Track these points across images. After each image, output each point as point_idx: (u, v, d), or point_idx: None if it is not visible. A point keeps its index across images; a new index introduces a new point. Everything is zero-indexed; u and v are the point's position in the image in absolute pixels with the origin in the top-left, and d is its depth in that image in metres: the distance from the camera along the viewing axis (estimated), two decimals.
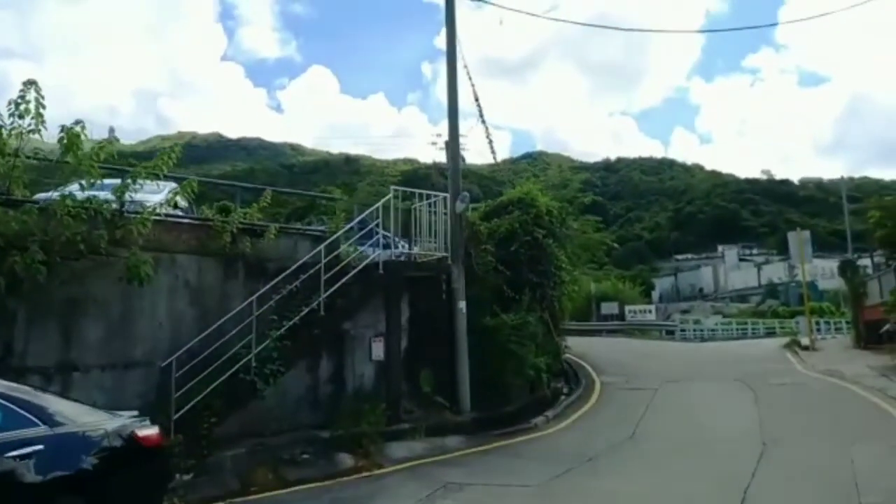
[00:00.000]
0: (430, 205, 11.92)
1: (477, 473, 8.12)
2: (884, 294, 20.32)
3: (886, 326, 19.39)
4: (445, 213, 12.61)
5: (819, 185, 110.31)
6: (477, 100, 14.88)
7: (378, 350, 10.94)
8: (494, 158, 17.86)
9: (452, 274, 12.43)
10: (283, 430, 9.37)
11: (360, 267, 10.35)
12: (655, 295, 73.69)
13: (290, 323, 9.35)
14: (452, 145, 13.02)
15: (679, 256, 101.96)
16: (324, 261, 9.76)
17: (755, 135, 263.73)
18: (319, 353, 10.43)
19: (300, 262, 9.92)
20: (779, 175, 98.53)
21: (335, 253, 10.23)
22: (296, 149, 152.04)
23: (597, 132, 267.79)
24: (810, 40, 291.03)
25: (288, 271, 9.71)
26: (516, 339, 12.70)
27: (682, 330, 33.77)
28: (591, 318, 35.51)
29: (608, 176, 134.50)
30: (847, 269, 24.64)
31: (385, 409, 10.24)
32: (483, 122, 15.87)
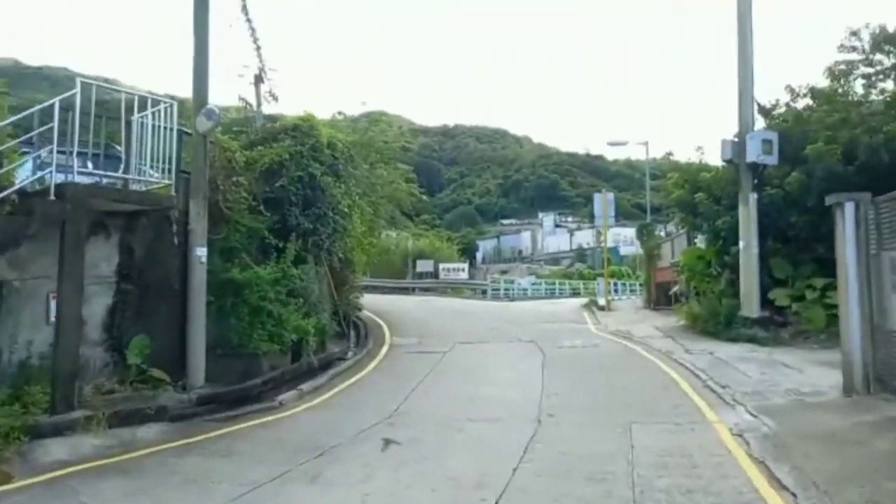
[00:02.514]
0: (151, 115, 8.85)
1: (143, 487, 5.55)
2: (675, 256, 20.89)
3: (675, 288, 19.85)
4: (187, 132, 9.76)
5: (628, 162, 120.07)
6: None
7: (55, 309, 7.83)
8: (273, 97, 15.08)
9: (190, 212, 9.55)
10: None
11: (9, 191, 7.09)
12: (479, 256, 75.55)
13: None
14: (198, 39, 9.93)
15: (505, 221, 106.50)
16: None
17: (577, 112, 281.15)
18: None
19: None
20: (594, 151, 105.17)
21: None
22: (112, 83, 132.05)
23: (438, 98, 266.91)
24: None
25: None
26: (275, 297, 10.29)
27: (494, 289, 33.60)
28: (406, 276, 34.08)
29: (445, 141, 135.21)
30: (643, 232, 25.40)
31: (53, 392, 7.25)
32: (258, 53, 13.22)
